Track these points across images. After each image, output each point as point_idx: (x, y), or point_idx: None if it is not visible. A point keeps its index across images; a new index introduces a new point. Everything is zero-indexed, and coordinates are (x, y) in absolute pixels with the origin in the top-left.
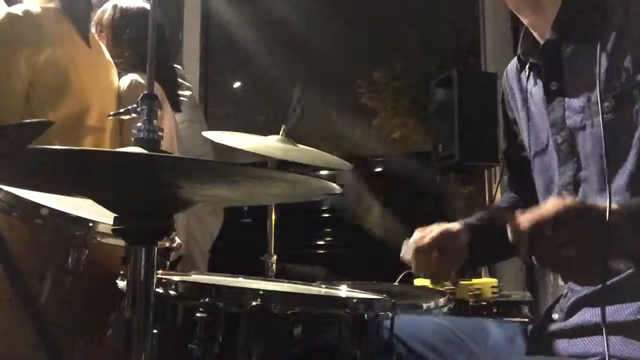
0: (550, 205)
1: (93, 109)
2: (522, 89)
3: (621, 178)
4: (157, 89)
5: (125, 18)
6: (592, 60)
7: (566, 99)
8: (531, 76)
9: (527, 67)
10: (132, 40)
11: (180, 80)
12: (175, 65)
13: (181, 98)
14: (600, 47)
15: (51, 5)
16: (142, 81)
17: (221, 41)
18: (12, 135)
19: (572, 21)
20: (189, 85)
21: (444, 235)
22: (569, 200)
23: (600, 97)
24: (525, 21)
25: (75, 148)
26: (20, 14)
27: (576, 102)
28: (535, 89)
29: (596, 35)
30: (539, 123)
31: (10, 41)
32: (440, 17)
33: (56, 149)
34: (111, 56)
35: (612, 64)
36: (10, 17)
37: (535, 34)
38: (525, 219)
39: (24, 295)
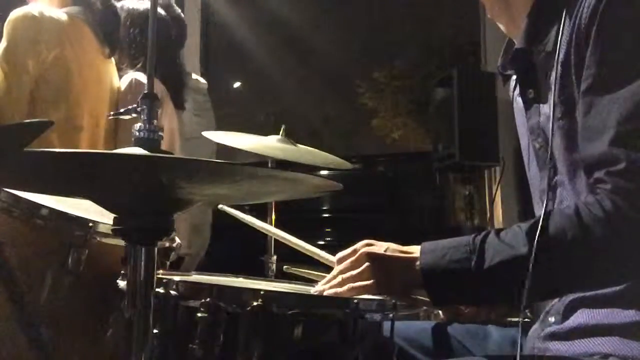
0: None
1: (92, 111)
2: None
3: (581, 180)
4: (157, 86)
5: (131, 18)
6: (553, 67)
7: (541, 106)
8: (517, 86)
9: (511, 78)
10: (138, 40)
11: (196, 77)
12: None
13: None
14: (557, 55)
15: (67, 9)
16: (143, 81)
17: (221, 41)
18: (12, 135)
19: (538, 29)
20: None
21: None
22: None
23: (555, 102)
24: (503, 29)
25: (75, 150)
26: (36, 14)
27: (547, 109)
28: (518, 98)
29: (556, 42)
30: (522, 132)
31: (23, 39)
32: (440, 17)
33: (56, 152)
34: (117, 56)
35: (564, 71)
36: (25, 16)
37: (515, 43)
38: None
39: (20, 295)
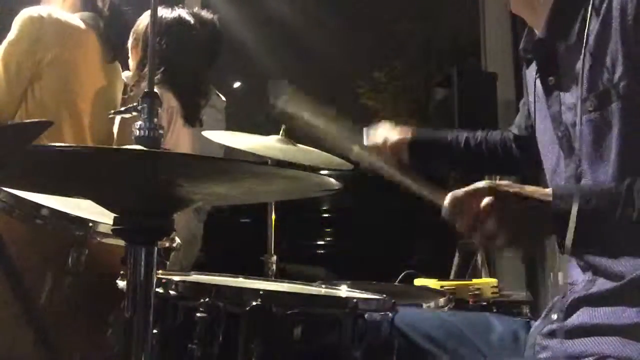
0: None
1: (87, 114)
2: (529, 83)
3: (605, 176)
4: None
5: (158, 28)
6: (579, 60)
7: (561, 94)
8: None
9: (533, 63)
10: (162, 52)
11: (216, 93)
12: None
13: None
14: (584, 48)
15: (77, 14)
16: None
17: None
18: (13, 135)
19: (561, 21)
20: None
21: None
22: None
23: (583, 96)
24: (527, 21)
25: (75, 146)
26: (44, 15)
27: (569, 99)
28: (539, 84)
29: (582, 35)
30: (540, 116)
31: (26, 38)
32: (440, 17)
33: (56, 151)
34: (138, 68)
35: (594, 64)
36: (32, 17)
37: (536, 32)
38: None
39: (23, 295)
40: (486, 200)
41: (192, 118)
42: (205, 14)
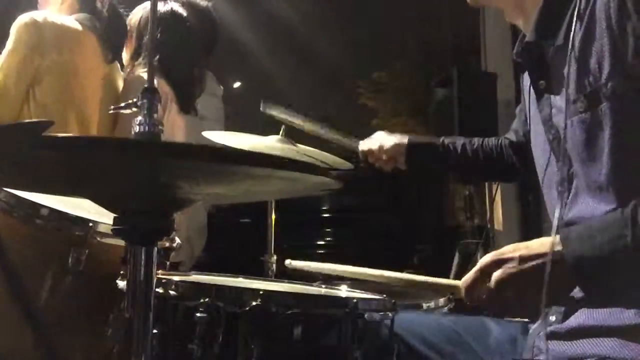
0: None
1: (88, 115)
2: (525, 88)
3: (599, 176)
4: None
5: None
6: (566, 62)
7: (552, 97)
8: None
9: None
10: (156, 39)
11: (214, 85)
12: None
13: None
14: (571, 49)
15: (74, 15)
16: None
17: (221, 41)
18: (12, 135)
19: (548, 24)
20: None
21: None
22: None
23: (572, 97)
24: (520, 27)
25: (74, 145)
26: (39, 20)
27: (559, 102)
28: (531, 88)
29: (568, 38)
30: (534, 120)
31: (24, 46)
32: (440, 17)
33: (56, 150)
34: (132, 58)
35: (581, 66)
36: (28, 23)
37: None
38: (465, 291)
39: (23, 295)
40: (496, 274)
41: (187, 106)
42: (200, 1)
